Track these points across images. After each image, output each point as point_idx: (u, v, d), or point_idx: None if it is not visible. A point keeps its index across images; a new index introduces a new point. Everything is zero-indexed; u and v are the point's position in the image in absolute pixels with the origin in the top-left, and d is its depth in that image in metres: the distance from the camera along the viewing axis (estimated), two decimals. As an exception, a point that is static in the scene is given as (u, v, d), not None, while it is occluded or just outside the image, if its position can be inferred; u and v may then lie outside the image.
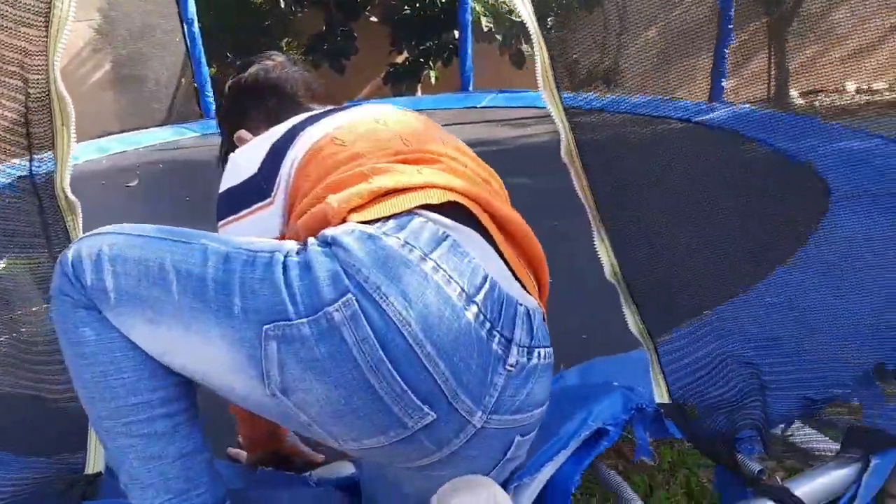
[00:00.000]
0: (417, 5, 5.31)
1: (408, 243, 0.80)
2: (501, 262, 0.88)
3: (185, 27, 4.19)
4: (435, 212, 0.85)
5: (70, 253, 0.83)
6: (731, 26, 3.64)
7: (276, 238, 1.02)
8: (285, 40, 5.52)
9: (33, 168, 0.96)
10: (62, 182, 0.95)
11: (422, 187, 0.87)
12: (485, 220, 0.89)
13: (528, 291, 0.90)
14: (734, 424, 1.05)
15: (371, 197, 0.87)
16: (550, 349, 0.89)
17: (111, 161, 3.69)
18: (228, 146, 1.23)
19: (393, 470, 0.91)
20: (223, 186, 1.07)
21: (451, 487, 0.82)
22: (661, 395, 1.15)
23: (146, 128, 4.13)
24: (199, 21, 4.17)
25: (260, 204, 1.01)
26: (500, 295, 0.82)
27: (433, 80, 5.41)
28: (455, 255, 0.81)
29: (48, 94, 0.88)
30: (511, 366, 0.81)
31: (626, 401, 1.08)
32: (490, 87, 4.60)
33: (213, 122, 4.07)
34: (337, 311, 0.75)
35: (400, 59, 5.62)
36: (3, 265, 1.25)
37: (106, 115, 4.37)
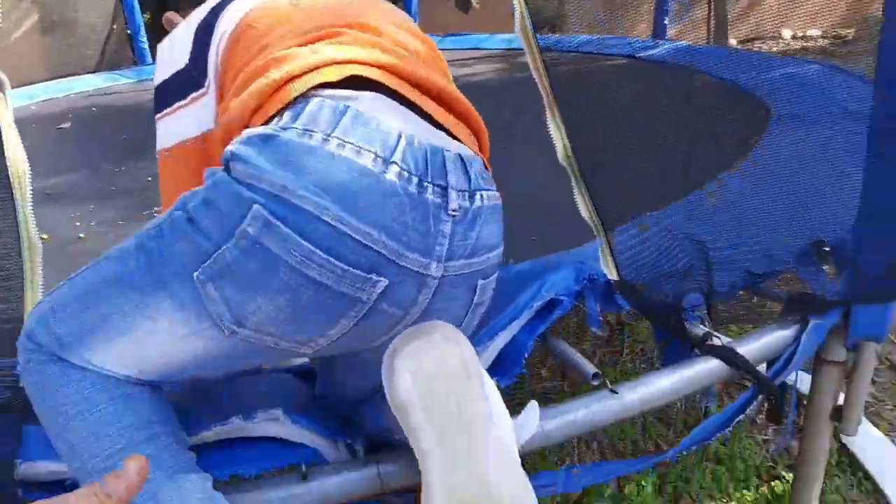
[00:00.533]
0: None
1: (307, 130, 0.78)
2: (417, 117, 0.86)
3: (114, -31, 4.01)
4: (334, 88, 0.83)
5: (23, 331, 0.86)
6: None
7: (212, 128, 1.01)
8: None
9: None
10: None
11: (316, 67, 0.85)
12: (392, 82, 0.87)
13: (462, 142, 0.88)
14: (680, 292, 1.08)
15: (270, 92, 0.85)
16: (495, 192, 0.89)
17: (40, 107, 3.53)
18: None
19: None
20: (157, 79, 1.07)
21: (404, 336, 0.82)
22: (610, 274, 1.17)
23: (76, 74, 3.96)
24: (129, -37, 3.99)
25: (194, 94, 1.01)
26: (420, 147, 0.81)
27: (377, 27, 5.30)
28: (359, 125, 0.79)
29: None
30: (454, 211, 0.81)
31: (578, 272, 1.10)
32: (437, 33, 4.54)
33: (149, 69, 3.96)
34: (249, 225, 0.75)
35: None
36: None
37: (34, 64, 4.16)
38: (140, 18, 4.15)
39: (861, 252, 1.12)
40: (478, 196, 0.84)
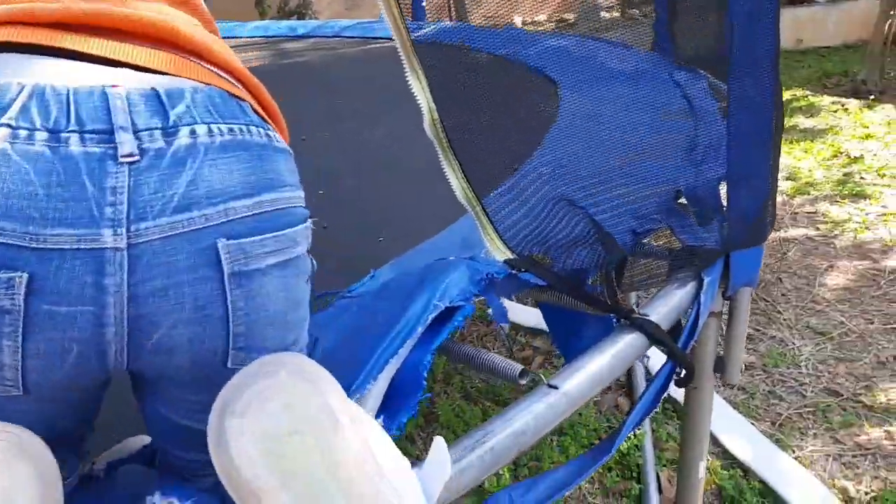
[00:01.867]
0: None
1: None
2: (74, 63, 0.65)
3: None
4: None
5: None
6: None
7: None
8: None
9: None
10: None
11: None
12: (32, 34, 0.66)
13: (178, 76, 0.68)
14: (592, 259, 0.98)
15: None
16: (231, 125, 0.68)
17: None
18: None
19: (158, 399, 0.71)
20: None
21: (234, 383, 0.60)
22: (500, 254, 1.04)
23: None
24: None
25: None
26: (55, 93, 0.61)
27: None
28: None
29: None
30: (128, 156, 0.61)
31: (472, 272, 0.93)
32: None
33: None
34: None
35: None
36: None
37: None
38: None
39: (735, 201, 1.12)
40: (185, 132, 0.64)
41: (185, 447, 0.75)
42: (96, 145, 0.60)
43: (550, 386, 0.85)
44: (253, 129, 0.69)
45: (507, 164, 1.28)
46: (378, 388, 0.84)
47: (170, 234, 0.62)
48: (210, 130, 0.65)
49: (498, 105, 1.59)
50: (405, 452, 0.74)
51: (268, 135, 0.70)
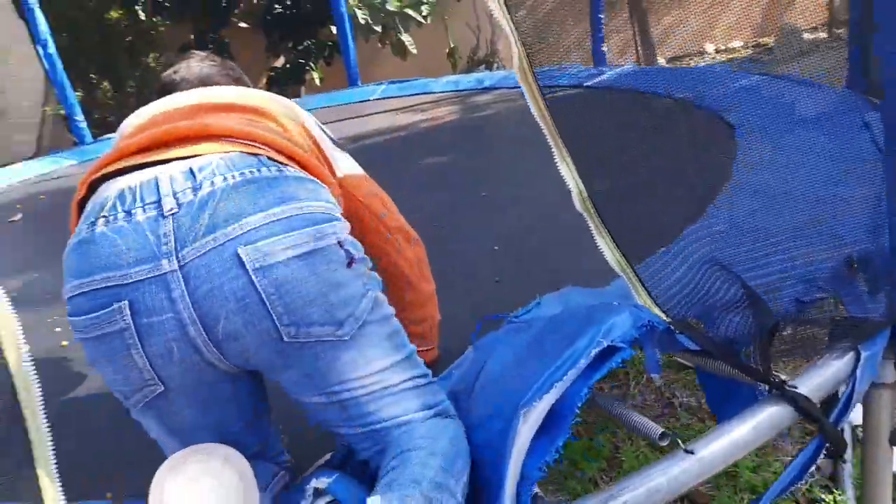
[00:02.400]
0: (288, 2, 5.12)
1: (84, 221, 0.96)
2: (145, 170, 0.98)
3: (40, 50, 3.82)
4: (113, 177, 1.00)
5: None
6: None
7: None
8: (152, 56, 5.20)
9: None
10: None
11: (99, 168, 1.02)
12: (133, 158, 1.01)
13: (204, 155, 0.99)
14: (743, 328, 1.02)
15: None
16: (244, 171, 0.96)
17: (-20, 203, 3.32)
18: None
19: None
20: None
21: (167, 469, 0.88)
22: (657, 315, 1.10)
23: (13, 163, 3.75)
24: (54, 43, 3.82)
25: None
26: (130, 190, 0.95)
27: (317, 80, 5.25)
28: (98, 199, 0.97)
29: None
30: (170, 210, 0.92)
31: (635, 319, 1.02)
32: (376, 80, 4.50)
33: (91, 148, 3.80)
34: None
35: (279, 63, 5.43)
36: None
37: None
38: (73, 97, 3.97)
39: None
40: (206, 184, 0.94)
41: (326, 425, 1.01)
42: (152, 210, 0.93)
43: (687, 451, 0.91)
44: (263, 168, 0.97)
45: (661, 231, 1.34)
46: (542, 406, 0.95)
47: (203, 252, 0.90)
48: (225, 178, 0.95)
49: (659, 169, 1.63)
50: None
51: (279, 170, 0.98)
